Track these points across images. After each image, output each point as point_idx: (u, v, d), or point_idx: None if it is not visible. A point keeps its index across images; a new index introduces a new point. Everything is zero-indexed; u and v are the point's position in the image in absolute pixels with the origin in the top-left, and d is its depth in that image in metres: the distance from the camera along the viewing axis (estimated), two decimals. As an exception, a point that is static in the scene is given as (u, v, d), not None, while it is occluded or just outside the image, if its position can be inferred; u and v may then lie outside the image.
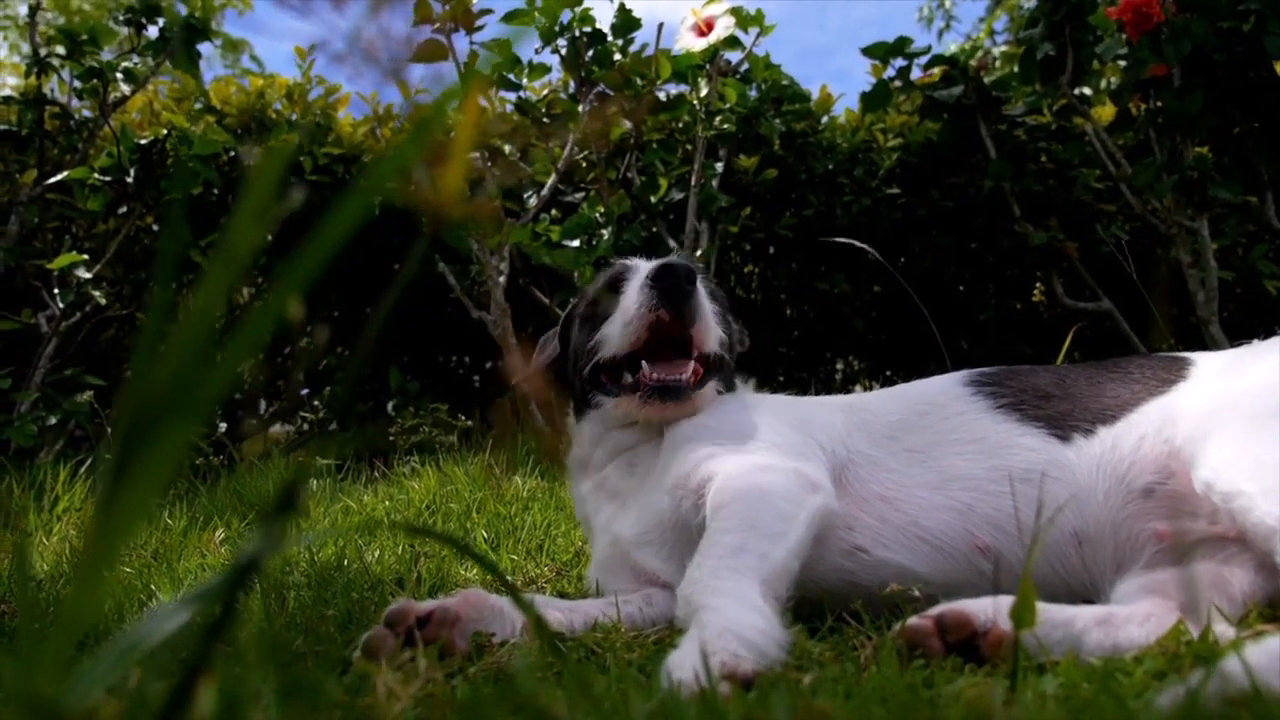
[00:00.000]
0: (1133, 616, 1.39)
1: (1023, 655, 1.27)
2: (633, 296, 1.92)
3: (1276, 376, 1.45)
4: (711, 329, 1.96)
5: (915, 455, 1.80)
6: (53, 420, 3.96)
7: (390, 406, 4.99)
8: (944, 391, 1.89)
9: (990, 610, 1.32)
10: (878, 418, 1.91)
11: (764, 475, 1.65)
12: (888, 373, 6.01)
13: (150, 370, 0.57)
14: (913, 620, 1.36)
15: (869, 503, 1.75)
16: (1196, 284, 4.41)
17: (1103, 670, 1.21)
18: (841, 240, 3.71)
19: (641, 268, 2.06)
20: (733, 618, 1.27)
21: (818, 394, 2.26)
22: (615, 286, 2.05)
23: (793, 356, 5.96)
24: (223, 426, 4.60)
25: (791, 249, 5.52)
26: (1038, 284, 5.67)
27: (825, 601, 1.65)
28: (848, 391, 5.01)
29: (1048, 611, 1.38)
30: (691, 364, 1.91)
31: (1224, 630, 1.32)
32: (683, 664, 1.17)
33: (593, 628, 1.69)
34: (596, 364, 1.99)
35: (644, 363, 1.91)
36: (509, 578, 2.28)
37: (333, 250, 0.49)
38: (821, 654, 1.39)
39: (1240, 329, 4.71)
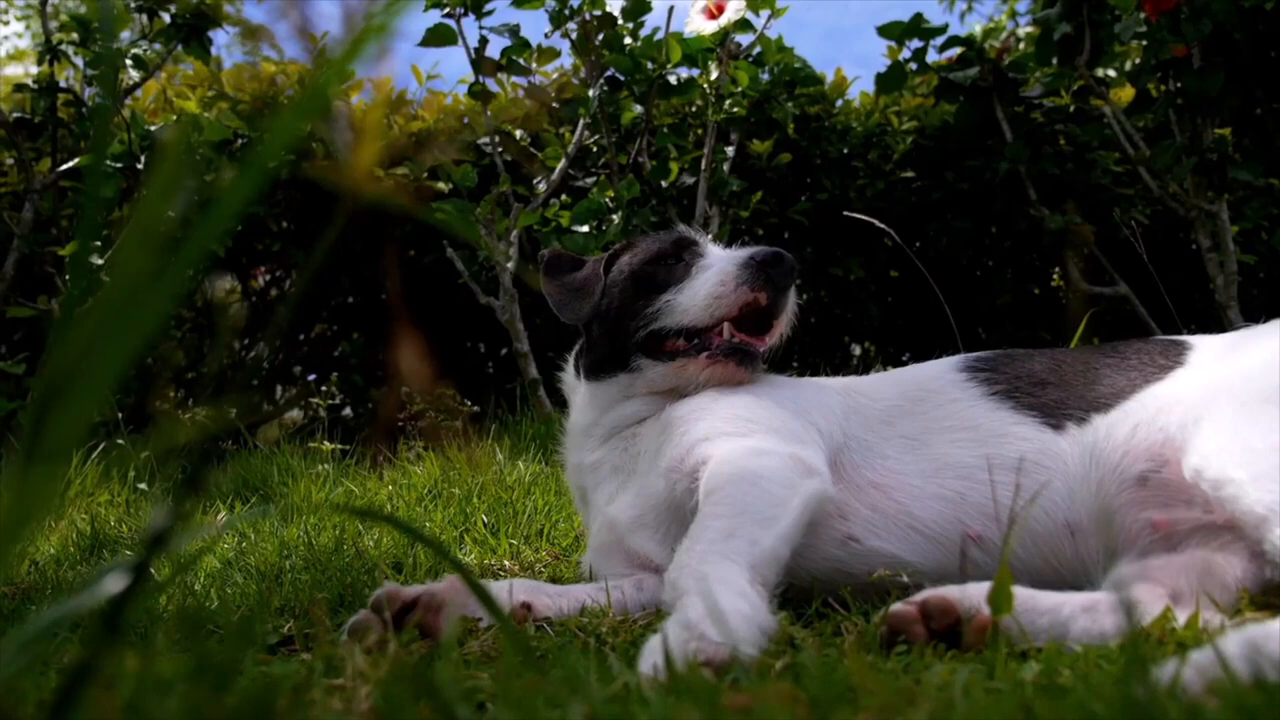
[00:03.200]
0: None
1: (1006, 642, 1.25)
2: (729, 270, 1.91)
3: (1268, 361, 1.42)
4: (787, 323, 1.98)
5: (909, 442, 1.78)
6: (66, 405, 3.99)
7: (403, 392, 5.00)
8: (939, 377, 1.87)
9: (974, 597, 1.30)
10: (874, 402, 1.89)
11: (758, 460, 1.63)
12: (904, 357, 5.96)
13: (68, 344, 0.56)
14: (896, 606, 1.34)
15: (862, 490, 1.73)
16: (1215, 268, 4.33)
17: (1085, 657, 1.19)
18: (860, 218, 3.65)
19: (712, 248, 2.06)
20: (716, 604, 1.25)
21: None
22: (678, 254, 2.04)
23: (808, 341, 5.93)
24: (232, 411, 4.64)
25: (806, 234, 5.48)
26: (1056, 268, 5.59)
27: (814, 588, 1.64)
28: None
29: (1035, 598, 1.36)
30: (768, 340, 1.95)
31: (1211, 618, 1.29)
32: (657, 650, 1.16)
33: (581, 612, 1.69)
34: (658, 330, 1.95)
35: (727, 324, 1.91)
36: (507, 562, 2.28)
37: (228, 224, 0.48)
38: (804, 639, 1.38)
39: (1263, 313, 4.60)
